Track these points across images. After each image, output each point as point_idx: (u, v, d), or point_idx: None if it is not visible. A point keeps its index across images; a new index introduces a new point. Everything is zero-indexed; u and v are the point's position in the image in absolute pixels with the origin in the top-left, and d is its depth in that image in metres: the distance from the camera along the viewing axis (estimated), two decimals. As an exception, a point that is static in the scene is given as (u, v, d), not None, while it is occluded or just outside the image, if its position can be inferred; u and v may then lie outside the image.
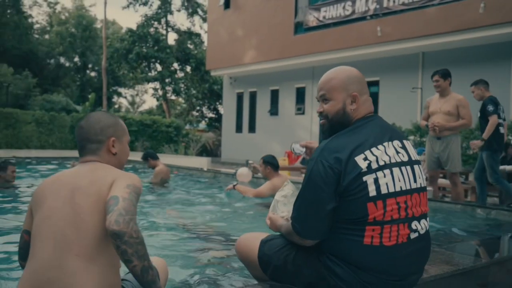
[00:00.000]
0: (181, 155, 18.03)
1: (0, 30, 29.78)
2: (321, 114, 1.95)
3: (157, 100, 31.67)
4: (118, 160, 1.84)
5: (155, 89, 28.88)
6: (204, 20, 29.00)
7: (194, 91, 29.75)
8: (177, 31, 29.10)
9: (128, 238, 1.45)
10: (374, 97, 13.26)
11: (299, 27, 14.71)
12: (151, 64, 28.27)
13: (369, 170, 1.72)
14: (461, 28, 10.23)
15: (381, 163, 1.74)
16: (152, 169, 7.17)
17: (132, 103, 47.08)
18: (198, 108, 32.72)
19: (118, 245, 1.44)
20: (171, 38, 51.39)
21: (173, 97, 31.21)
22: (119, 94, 41.76)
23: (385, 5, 11.93)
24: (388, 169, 1.75)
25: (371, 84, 13.25)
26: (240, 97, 18.33)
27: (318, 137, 15.12)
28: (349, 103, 1.88)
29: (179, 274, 2.58)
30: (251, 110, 17.85)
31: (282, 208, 2.13)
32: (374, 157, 1.74)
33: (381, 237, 1.71)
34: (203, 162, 13.86)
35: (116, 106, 40.04)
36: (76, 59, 36.57)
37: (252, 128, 17.80)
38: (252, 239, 2.10)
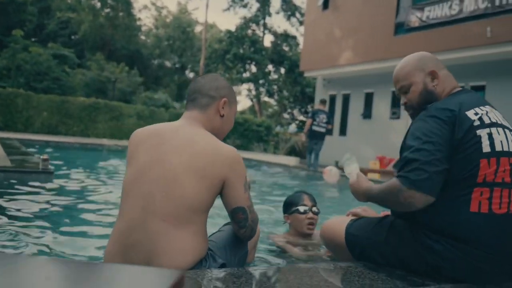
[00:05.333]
0: (270, 153, 18.17)
1: (113, 31, 32.37)
2: (406, 105, 1.86)
3: (251, 100, 32.34)
4: (222, 125, 1.74)
5: (249, 90, 29.50)
6: (301, 23, 29.11)
7: (286, 93, 29.92)
8: (274, 33, 29.50)
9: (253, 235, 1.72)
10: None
11: (400, 28, 14.12)
12: (246, 65, 28.92)
13: (482, 124, 1.59)
14: None
15: (493, 120, 1.62)
16: None
17: (226, 104, 48.31)
18: (289, 110, 32.87)
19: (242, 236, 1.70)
20: (267, 40, 52.24)
21: (266, 99, 31.69)
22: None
23: (497, 3, 11.03)
24: (500, 128, 1.61)
25: (476, 89, 12.32)
26: (332, 99, 18.04)
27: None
28: (429, 81, 1.78)
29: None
30: (343, 113, 17.48)
31: (349, 169, 1.97)
32: (485, 112, 1.62)
33: (490, 202, 1.52)
34: (291, 161, 13.85)
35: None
36: (175, 59, 38.50)
37: (343, 132, 17.42)
38: (338, 222, 2.01)
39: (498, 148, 1.56)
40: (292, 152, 21.08)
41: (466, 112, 1.61)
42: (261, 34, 29.22)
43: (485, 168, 1.54)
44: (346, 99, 17.31)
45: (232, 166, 1.56)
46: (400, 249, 1.70)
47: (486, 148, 1.55)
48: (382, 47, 14.42)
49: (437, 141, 1.55)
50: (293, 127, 33.77)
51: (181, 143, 1.57)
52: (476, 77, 12.07)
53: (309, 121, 10.53)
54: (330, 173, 6.47)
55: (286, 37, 29.39)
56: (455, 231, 1.56)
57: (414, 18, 13.44)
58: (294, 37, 29.82)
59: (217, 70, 30.69)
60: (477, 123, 1.58)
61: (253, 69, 28.90)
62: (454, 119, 1.58)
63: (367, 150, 15.39)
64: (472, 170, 1.54)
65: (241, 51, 26.96)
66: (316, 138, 10.58)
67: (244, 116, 20.89)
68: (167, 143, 1.58)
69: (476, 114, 1.61)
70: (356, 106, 16.67)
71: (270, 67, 29.26)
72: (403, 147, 1.68)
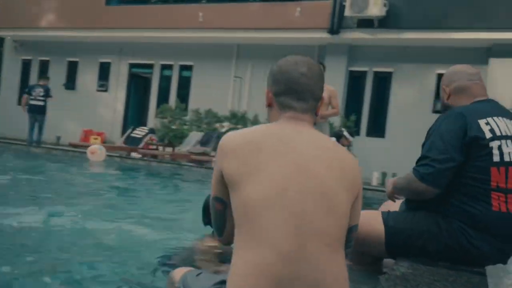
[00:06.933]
0: None
1: None
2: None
3: None
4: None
5: None
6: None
7: None
8: None
9: None
10: (187, 82, 13.47)
11: (112, -2, 13.78)
12: None
13: (494, 136, 1.87)
14: (278, 26, 11.29)
15: (504, 132, 1.90)
16: None
17: None
18: None
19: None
20: None
21: None
22: None
23: (209, -8, 12.23)
24: (510, 140, 1.91)
25: (184, 68, 13.43)
26: (26, 65, 16.01)
27: (122, 116, 14.44)
28: (445, 97, 2.20)
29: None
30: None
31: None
32: (495, 123, 1.90)
33: (506, 203, 1.86)
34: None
35: None
36: None
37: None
38: (370, 217, 2.02)
39: (506, 159, 1.87)
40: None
41: (479, 120, 1.88)
42: None
43: (495, 175, 1.85)
44: (44, 66, 15.63)
45: (360, 179, 1.43)
46: (443, 238, 1.89)
47: (496, 158, 1.86)
48: (92, 15, 13.71)
49: (448, 141, 1.85)
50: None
51: (323, 153, 1.36)
52: (185, 58, 13.11)
53: (24, 97, 10.96)
54: (99, 152, 6.01)
55: None
56: (483, 225, 1.84)
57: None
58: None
59: None
60: (489, 135, 1.87)
61: None
62: (465, 123, 1.86)
63: (71, 123, 14.45)
64: (486, 175, 1.85)
65: None
66: (35, 112, 10.87)
67: None
68: (305, 152, 1.34)
69: (487, 124, 1.89)
70: (57, 75, 15.24)
71: None
72: (423, 144, 1.95)
